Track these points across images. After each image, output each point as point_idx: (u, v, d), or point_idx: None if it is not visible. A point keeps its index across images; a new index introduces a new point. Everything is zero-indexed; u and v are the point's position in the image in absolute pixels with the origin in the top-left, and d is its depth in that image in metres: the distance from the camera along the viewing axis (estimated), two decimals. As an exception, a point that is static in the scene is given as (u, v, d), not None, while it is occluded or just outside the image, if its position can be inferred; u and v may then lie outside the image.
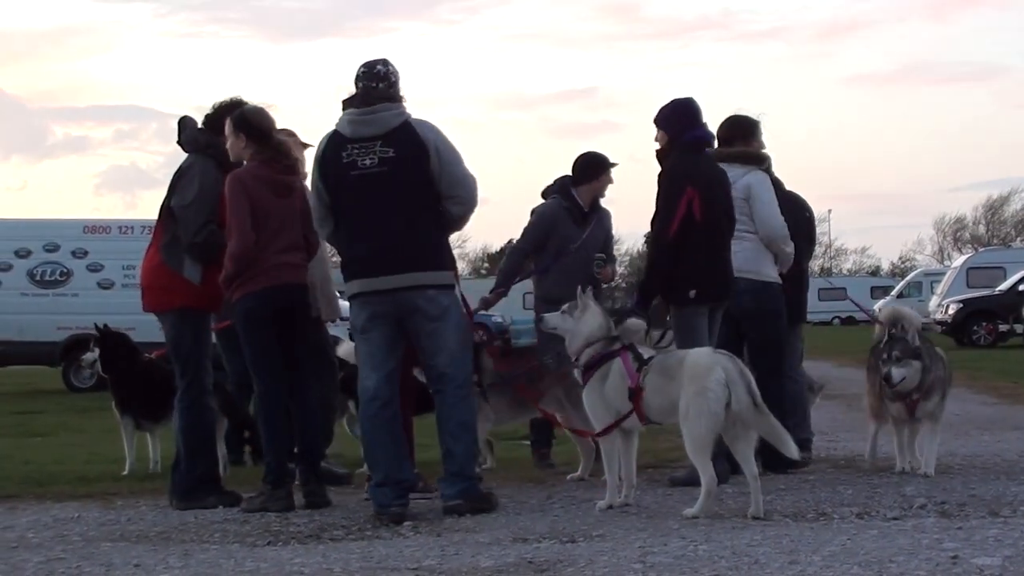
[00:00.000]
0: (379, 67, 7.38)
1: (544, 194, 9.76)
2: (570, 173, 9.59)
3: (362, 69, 7.39)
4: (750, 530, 6.25)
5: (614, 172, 9.52)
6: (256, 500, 7.65)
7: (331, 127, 7.41)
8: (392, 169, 7.19)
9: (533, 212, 9.73)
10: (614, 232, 9.86)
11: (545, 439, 9.58)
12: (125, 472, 9.49)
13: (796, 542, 5.83)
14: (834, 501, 7.17)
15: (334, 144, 7.29)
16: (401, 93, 7.39)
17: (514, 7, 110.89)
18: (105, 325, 10.10)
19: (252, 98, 8.03)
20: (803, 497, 7.32)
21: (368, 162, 7.20)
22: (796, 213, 9.15)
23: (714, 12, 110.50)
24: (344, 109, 7.40)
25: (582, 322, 7.40)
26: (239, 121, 7.75)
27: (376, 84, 7.33)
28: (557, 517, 7.01)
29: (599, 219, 9.66)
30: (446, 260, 7.42)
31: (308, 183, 7.70)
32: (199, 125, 8.17)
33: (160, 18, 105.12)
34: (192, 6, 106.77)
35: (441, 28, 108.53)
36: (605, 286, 9.76)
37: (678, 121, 8.26)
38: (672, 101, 8.35)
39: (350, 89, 7.41)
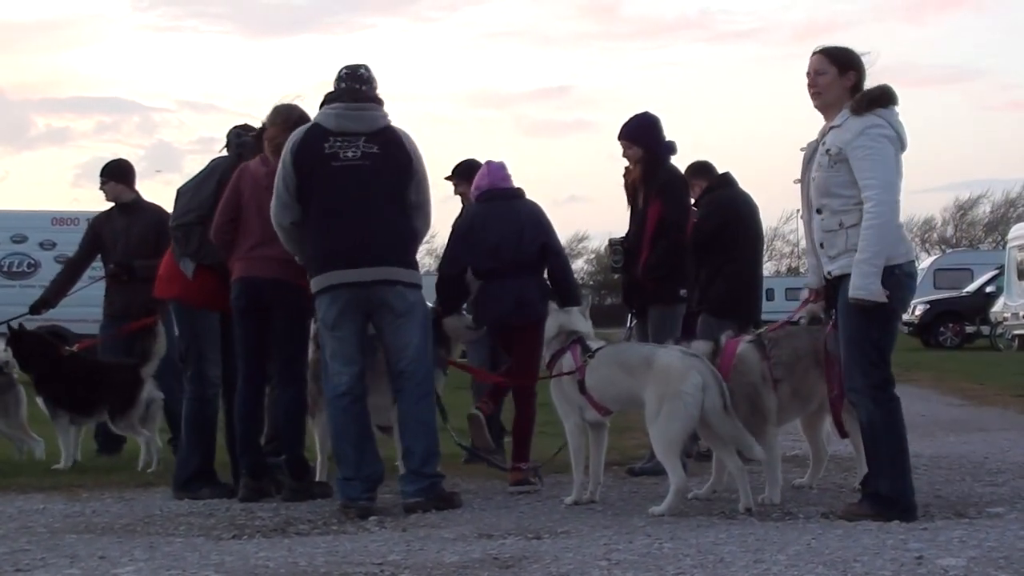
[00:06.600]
0: (362, 71, 7.39)
1: None
2: None
3: (345, 71, 7.39)
4: (715, 528, 6.27)
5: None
6: (240, 492, 7.79)
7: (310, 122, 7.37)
8: (375, 164, 7.18)
9: None
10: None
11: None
12: (60, 466, 9.32)
13: (761, 541, 5.84)
14: (799, 500, 7.19)
15: (314, 135, 7.24)
16: (381, 98, 7.41)
17: (493, 5, 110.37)
18: (20, 324, 9.93)
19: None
20: (769, 496, 7.32)
21: (351, 154, 7.18)
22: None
23: (692, 12, 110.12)
24: (322, 106, 7.36)
25: None
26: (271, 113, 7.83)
27: (360, 86, 7.34)
28: (523, 513, 7.02)
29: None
30: (415, 259, 7.46)
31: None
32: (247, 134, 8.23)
33: (140, 12, 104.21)
34: (172, 0, 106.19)
35: (420, 25, 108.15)
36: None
37: (651, 134, 8.61)
38: (637, 116, 8.67)
39: (330, 86, 7.40)
